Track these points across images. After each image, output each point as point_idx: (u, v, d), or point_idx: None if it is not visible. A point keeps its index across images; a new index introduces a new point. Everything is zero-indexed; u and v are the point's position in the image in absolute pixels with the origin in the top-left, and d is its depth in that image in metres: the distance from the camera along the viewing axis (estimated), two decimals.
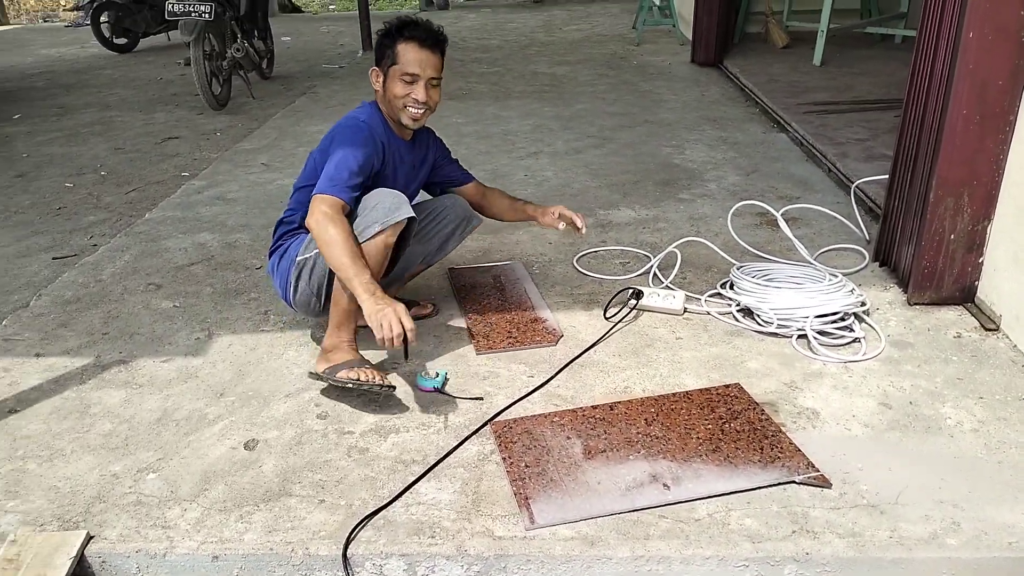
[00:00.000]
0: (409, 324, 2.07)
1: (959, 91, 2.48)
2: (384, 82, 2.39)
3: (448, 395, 2.31)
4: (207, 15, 5.60)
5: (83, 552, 1.78)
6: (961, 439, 2.08)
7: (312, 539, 1.81)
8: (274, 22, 9.09)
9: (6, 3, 12.98)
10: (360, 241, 2.21)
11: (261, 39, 6.95)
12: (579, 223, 2.67)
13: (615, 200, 3.85)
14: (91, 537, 1.82)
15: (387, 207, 2.24)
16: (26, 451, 2.14)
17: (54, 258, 3.51)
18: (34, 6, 14.18)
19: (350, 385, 2.21)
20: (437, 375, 2.34)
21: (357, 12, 8.44)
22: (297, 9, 13.31)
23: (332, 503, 1.92)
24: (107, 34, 9.04)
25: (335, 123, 2.43)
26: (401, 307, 2.09)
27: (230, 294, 2.99)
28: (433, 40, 2.37)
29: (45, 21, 13.19)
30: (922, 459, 2.01)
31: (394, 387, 2.28)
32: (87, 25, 9.22)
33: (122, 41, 9.13)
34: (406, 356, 2.30)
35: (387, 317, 2.05)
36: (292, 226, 2.52)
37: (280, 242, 2.54)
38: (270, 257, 2.56)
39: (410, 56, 2.34)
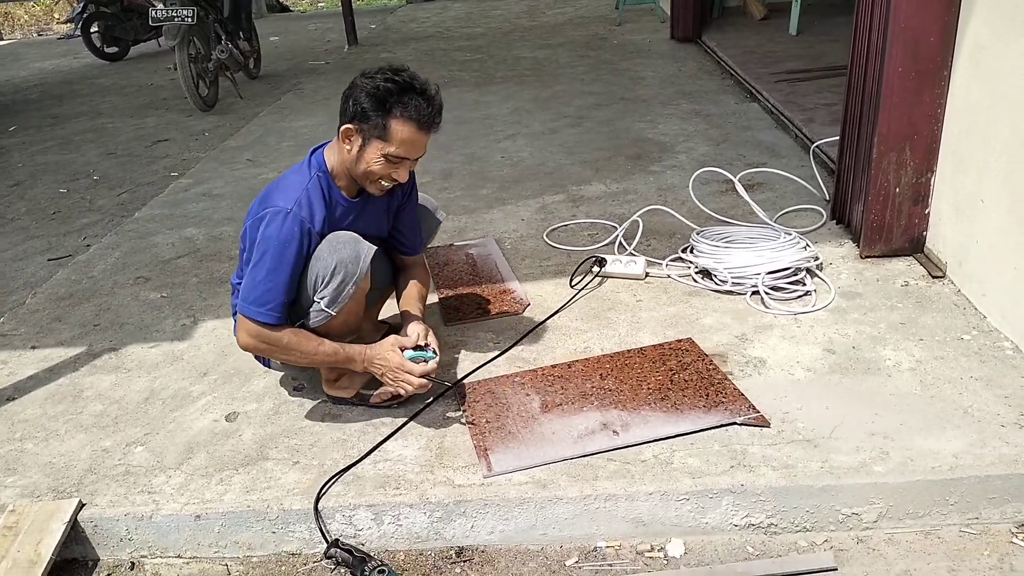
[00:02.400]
0: (418, 370, 2.06)
1: (894, 49, 2.58)
2: (360, 149, 2.00)
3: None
4: (189, 19, 5.74)
5: (76, 518, 1.93)
6: (898, 378, 2.20)
7: (287, 496, 1.95)
8: (262, 22, 9.25)
9: (0, 20, 13.15)
10: (337, 306, 2.04)
11: (246, 40, 7.07)
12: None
13: (587, 176, 3.97)
14: (83, 504, 1.97)
15: (348, 259, 2.01)
16: (24, 433, 2.30)
17: (49, 259, 3.66)
18: (28, 21, 14.36)
19: (395, 404, 2.22)
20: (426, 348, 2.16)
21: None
22: (286, 9, 13.43)
23: (306, 464, 2.06)
24: (98, 44, 9.20)
25: (266, 211, 2.00)
26: (395, 358, 2.06)
27: (215, 282, 3.14)
28: (432, 121, 2.00)
29: (39, 35, 13.37)
30: (859, 397, 2.13)
31: (400, 395, 2.20)
32: (79, 36, 9.37)
33: (113, 50, 9.28)
34: (442, 382, 2.26)
35: (397, 380, 2.07)
36: None
37: None
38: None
39: (404, 137, 1.97)
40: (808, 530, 1.91)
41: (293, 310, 2.06)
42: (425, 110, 1.98)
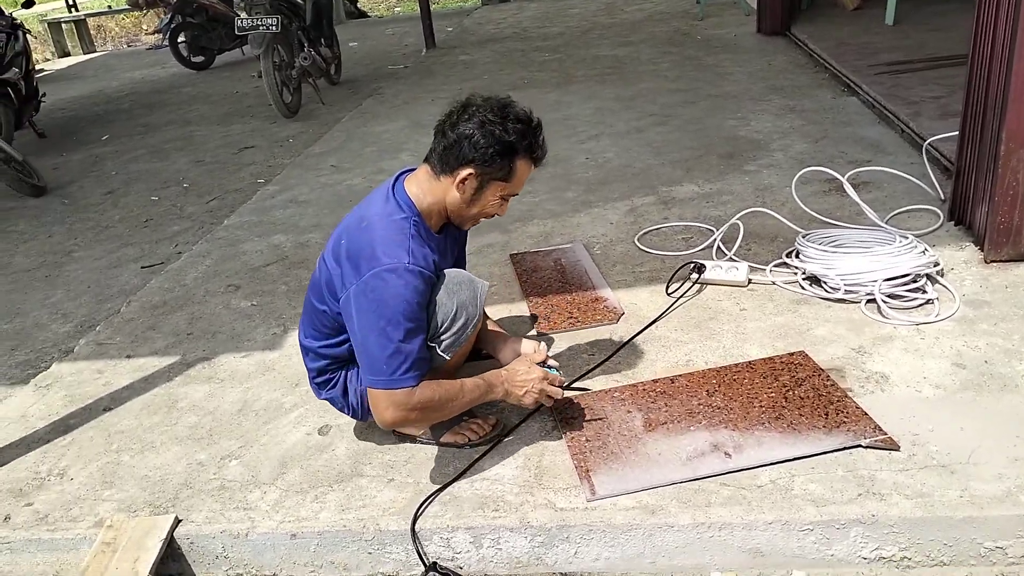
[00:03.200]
0: (555, 379, 2.00)
1: None
2: (477, 191, 1.91)
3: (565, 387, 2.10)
4: (274, 27, 5.80)
5: (172, 534, 1.91)
6: None
7: (383, 515, 1.89)
8: (341, 29, 9.33)
9: (93, 32, 13.70)
10: (454, 349, 1.96)
11: (327, 46, 7.13)
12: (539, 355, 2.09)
13: (678, 176, 3.81)
14: (179, 520, 1.95)
15: (468, 301, 1.95)
16: (120, 444, 2.30)
17: (142, 267, 3.73)
18: (118, 33, 14.92)
19: (468, 446, 2.07)
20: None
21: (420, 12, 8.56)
22: (364, 15, 13.58)
23: (401, 481, 1.99)
24: (185, 53, 9.45)
25: (371, 269, 1.82)
26: (538, 372, 1.97)
27: (303, 291, 3.08)
28: (545, 154, 1.98)
29: (129, 46, 13.86)
30: (997, 418, 1.94)
31: (505, 426, 2.14)
32: (167, 47, 9.65)
33: (199, 59, 9.53)
34: (583, 388, 2.22)
35: (542, 394, 1.97)
36: (333, 361, 2.10)
37: (331, 375, 2.12)
38: (321, 388, 2.15)
39: (524, 175, 1.94)
40: (945, 564, 1.74)
41: None
42: (545, 146, 1.94)
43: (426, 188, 1.93)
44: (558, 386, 2.02)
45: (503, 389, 1.96)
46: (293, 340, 2.75)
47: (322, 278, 1.99)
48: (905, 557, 1.74)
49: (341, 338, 2.02)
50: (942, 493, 1.74)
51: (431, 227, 1.96)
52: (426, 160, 1.95)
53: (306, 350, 2.13)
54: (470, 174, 1.87)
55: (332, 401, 2.14)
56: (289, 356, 2.65)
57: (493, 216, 2.01)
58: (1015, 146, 2.48)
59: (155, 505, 2.02)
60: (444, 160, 1.89)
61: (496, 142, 1.84)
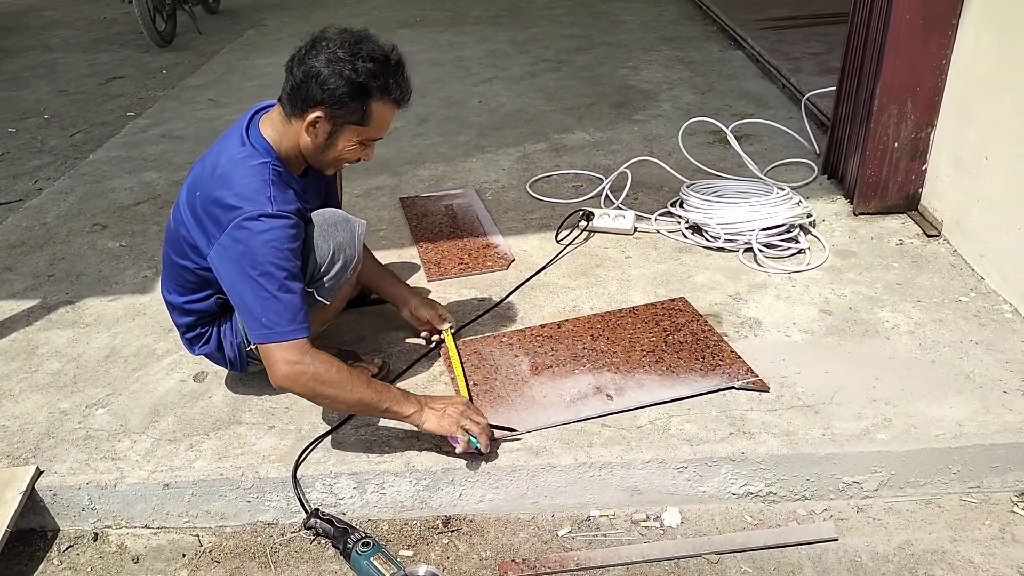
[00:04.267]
0: (482, 421, 1.79)
1: None
2: (330, 136, 1.74)
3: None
4: None
5: (33, 486, 1.80)
6: (897, 341, 2.13)
7: (262, 463, 1.84)
8: None
9: None
10: (334, 294, 1.89)
11: None
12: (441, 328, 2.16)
13: (569, 124, 3.82)
14: (41, 472, 1.83)
15: (345, 242, 1.86)
16: None
17: None
18: None
19: None
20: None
21: None
22: None
23: (282, 428, 1.94)
24: None
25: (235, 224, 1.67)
26: (458, 404, 1.79)
27: None
28: (410, 95, 1.78)
29: None
30: (858, 361, 2.06)
31: (392, 370, 2.10)
32: None
33: None
34: (511, 430, 1.89)
35: (460, 417, 1.76)
36: (202, 316, 1.97)
37: (202, 330, 1.99)
38: (193, 344, 2.01)
39: (386, 119, 1.76)
40: (808, 499, 1.85)
41: None
42: (406, 87, 1.75)
43: (281, 131, 1.77)
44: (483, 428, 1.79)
45: (418, 405, 1.77)
46: None
47: (180, 231, 1.83)
48: (771, 492, 1.84)
49: (206, 293, 1.90)
50: (806, 432, 1.84)
51: (291, 169, 1.82)
52: (279, 100, 1.78)
53: (171, 306, 1.99)
54: (319, 117, 1.69)
55: (208, 357, 2.03)
56: (162, 300, 2.50)
57: (358, 161, 1.83)
58: (888, 101, 2.59)
59: (14, 456, 1.89)
60: (293, 101, 1.71)
61: (345, 82, 1.66)
